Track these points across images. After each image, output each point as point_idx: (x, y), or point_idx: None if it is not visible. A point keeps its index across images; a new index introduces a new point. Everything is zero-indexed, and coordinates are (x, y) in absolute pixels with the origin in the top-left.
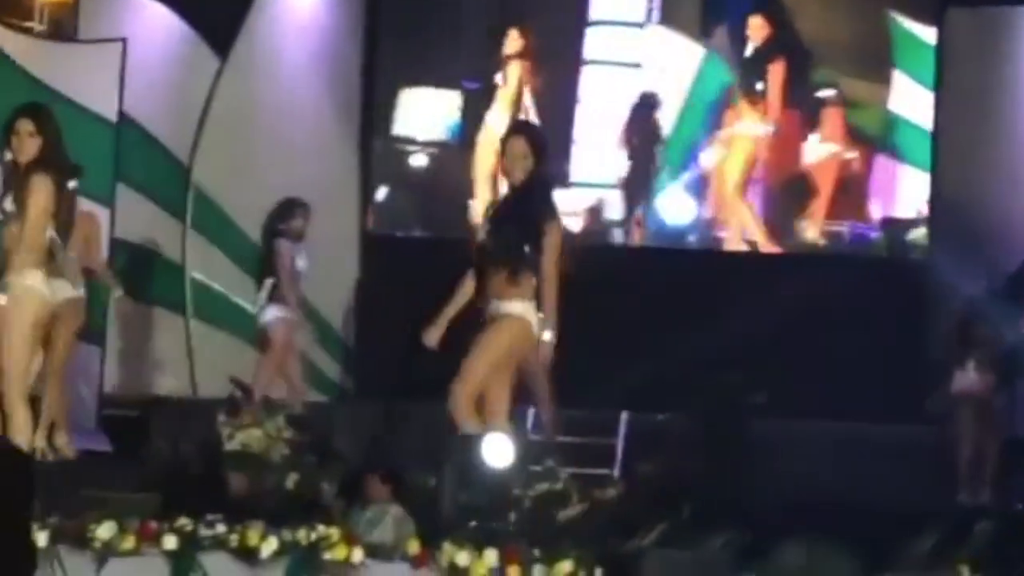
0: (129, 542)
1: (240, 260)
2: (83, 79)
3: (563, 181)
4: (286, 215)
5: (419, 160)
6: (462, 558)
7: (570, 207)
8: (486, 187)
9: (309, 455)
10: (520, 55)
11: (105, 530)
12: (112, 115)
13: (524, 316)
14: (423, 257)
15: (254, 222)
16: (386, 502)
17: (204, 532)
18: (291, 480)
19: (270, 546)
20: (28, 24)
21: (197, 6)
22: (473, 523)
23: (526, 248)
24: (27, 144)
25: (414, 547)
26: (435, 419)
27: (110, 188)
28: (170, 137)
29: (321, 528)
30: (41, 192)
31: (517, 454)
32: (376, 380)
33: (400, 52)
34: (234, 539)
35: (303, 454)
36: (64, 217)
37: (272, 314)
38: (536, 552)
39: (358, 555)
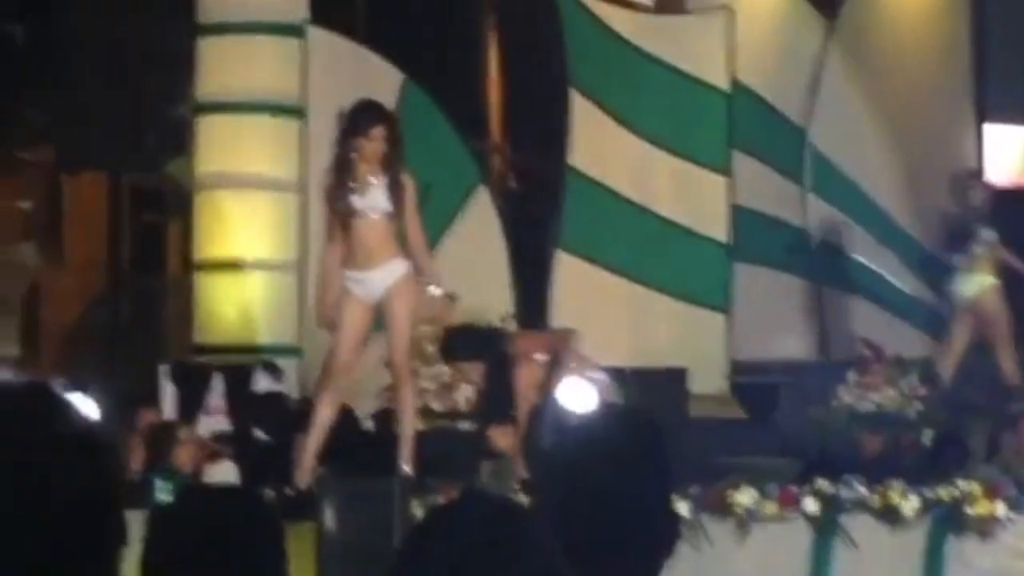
0: (770, 508)
1: (864, 222)
2: (693, 49)
3: None
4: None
5: None
6: None
7: None
8: None
9: (944, 411)
10: None
11: (746, 496)
12: (724, 83)
13: None
14: None
15: (874, 183)
16: None
17: (845, 494)
18: (927, 437)
19: (911, 505)
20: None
21: None
22: None
23: None
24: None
25: None
26: None
27: (726, 156)
28: (784, 101)
29: (962, 484)
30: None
31: None
32: None
33: (1011, 9)
34: (875, 500)
35: (938, 410)
36: None
37: None
38: None
39: (1000, 509)
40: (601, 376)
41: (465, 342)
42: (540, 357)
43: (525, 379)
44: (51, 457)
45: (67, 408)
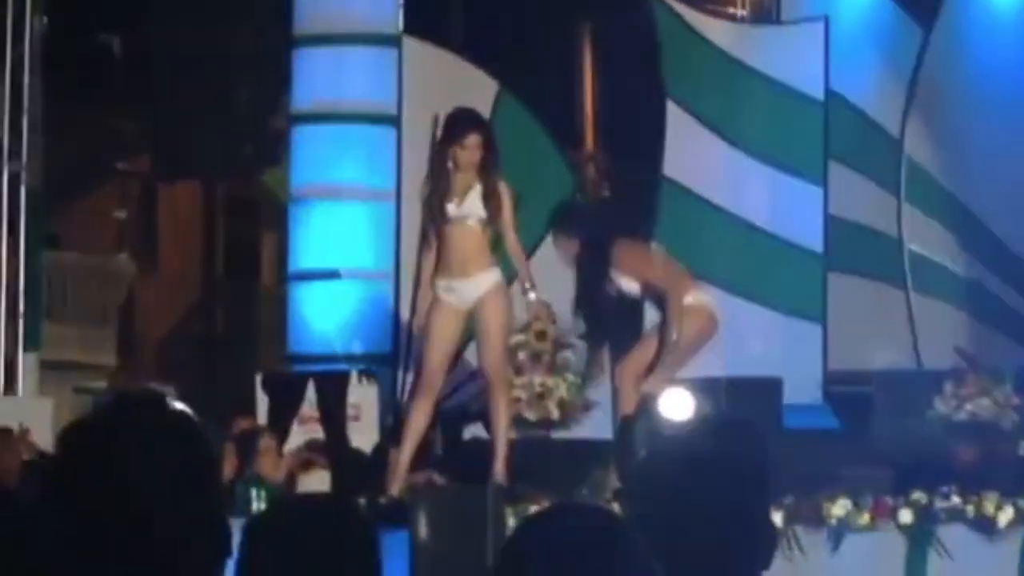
0: (864, 518)
1: (957, 230)
2: (788, 59)
3: None
4: None
5: None
6: None
7: None
8: None
9: None
10: None
11: (840, 507)
12: (819, 93)
13: None
14: None
15: (969, 192)
16: None
17: (939, 504)
18: (1023, 447)
19: (1007, 515)
20: (731, 10)
21: None
22: None
23: None
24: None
25: None
26: None
27: (822, 166)
28: (879, 111)
29: None
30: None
31: None
32: None
33: None
34: (970, 510)
35: None
36: None
37: None
38: None
39: None
40: (706, 301)
41: (573, 218)
42: (632, 282)
43: (628, 373)
44: (166, 465)
45: (181, 417)
